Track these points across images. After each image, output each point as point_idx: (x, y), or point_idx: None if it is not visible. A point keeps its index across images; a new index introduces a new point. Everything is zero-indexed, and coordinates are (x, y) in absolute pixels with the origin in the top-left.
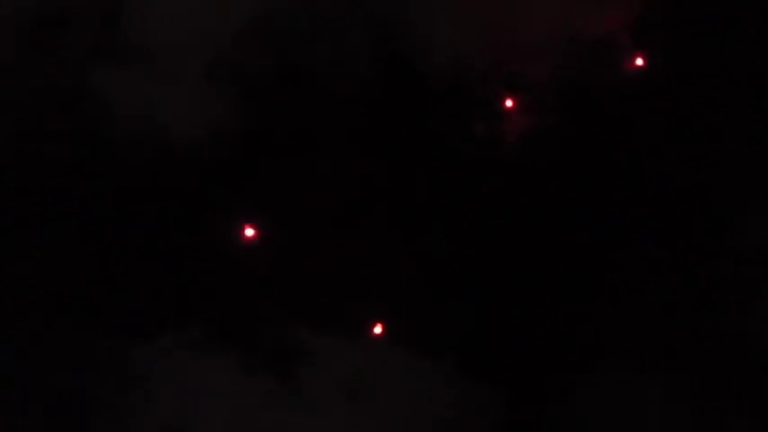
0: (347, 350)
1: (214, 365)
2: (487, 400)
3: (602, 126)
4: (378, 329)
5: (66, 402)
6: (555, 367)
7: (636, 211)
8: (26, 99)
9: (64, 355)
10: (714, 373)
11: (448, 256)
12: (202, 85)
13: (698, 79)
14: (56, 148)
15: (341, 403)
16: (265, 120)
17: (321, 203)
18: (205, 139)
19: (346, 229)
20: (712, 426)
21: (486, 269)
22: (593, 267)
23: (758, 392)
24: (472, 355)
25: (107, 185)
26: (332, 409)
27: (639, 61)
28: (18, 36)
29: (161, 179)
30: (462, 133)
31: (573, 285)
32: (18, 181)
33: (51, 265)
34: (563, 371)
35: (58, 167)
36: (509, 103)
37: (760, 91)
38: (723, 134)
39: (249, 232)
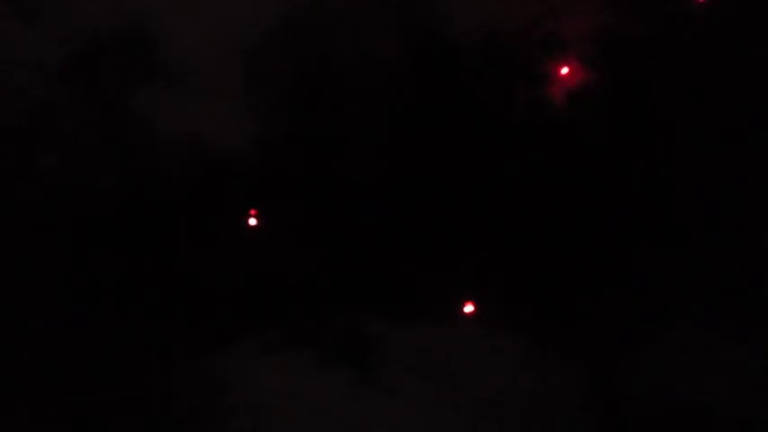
0: (421, 335)
1: (291, 365)
2: (572, 373)
3: (647, 79)
4: (469, 308)
5: (149, 412)
6: (633, 337)
7: (697, 159)
8: (73, 129)
9: (143, 367)
10: None
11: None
12: (239, 95)
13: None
14: (106, 172)
15: (421, 388)
16: (304, 119)
17: (379, 192)
18: (248, 147)
19: (410, 214)
20: None
21: (557, 240)
22: (665, 234)
23: None
24: (552, 330)
25: (159, 202)
26: (413, 394)
27: None
28: (59, 69)
29: (210, 190)
30: (509, 102)
31: (647, 254)
32: (75, 203)
33: (122, 280)
34: (642, 341)
35: (110, 191)
36: (564, 70)
37: None
38: None
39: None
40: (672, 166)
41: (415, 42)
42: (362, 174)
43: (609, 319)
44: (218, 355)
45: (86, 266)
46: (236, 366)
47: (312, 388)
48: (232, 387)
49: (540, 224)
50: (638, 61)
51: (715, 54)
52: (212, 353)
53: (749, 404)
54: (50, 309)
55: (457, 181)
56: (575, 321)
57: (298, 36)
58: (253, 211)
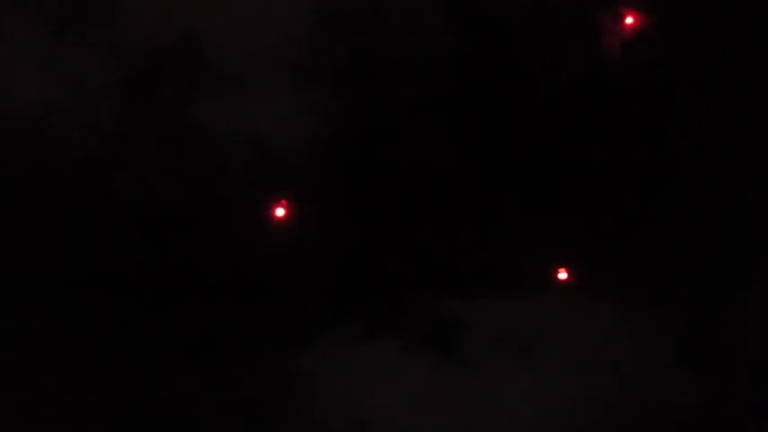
0: (504, 308)
1: (376, 353)
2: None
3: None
4: (563, 275)
5: (240, 410)
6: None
7: None
8: (136, 147)
9: (232, 365)
10: None
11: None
12: (292, 94)
13: None
14: (172, 185)
15: (509, 363)
16: (359, 109)
17: (443, 169)
18: (306, 145)
19: (480, 187)
20: None
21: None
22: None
23: None
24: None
25: (225, 205)
26: (502, 370)
27: None
28: (121, 91)
29: (274, 190)
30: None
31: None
32: (143, 218)
33: (203, 282)
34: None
35: (178, 204)
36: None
37: None
38: None
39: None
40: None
41: (465, 19)
42: (426, 150)
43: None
44: (303, 350)
45: (170, 269)
46: (323, 359)
47: (399, 373)
48: (320, 379)
49: (619, 181)
50: None
51: None
52: (298, 348)
53: None
54: (137, 314)
55: (526, 150)
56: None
57: (344, 27)
58: (283, 202)
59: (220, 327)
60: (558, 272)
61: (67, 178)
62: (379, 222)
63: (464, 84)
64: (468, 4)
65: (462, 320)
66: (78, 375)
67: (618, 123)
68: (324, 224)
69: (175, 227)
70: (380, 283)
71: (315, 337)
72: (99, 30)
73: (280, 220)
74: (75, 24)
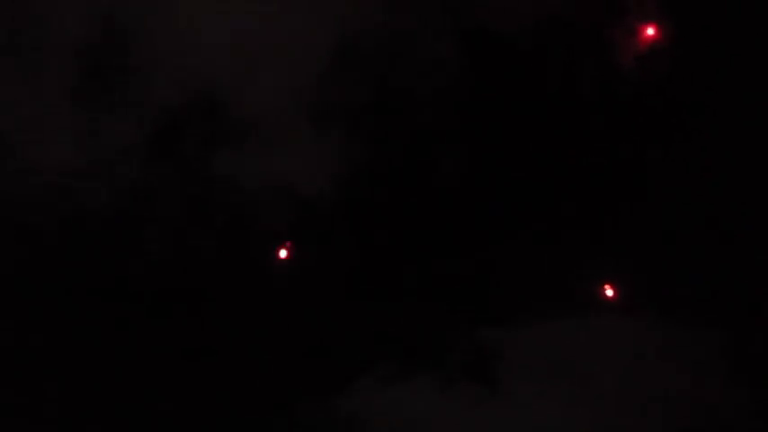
0: (542, 333)
1: (414, 391)
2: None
3: None
4: (609, 292)
5: None
6: None
7: None
8: (161, 202)
9: (268, 411)
10: None
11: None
12: (311, 138)
13: None
14: (199, 237)
15: (552, 389)
16: (380, 147)
17: (474, 195)
18: (332, 186)
19: (512, 210)
20: None
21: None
22: None
23: None
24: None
25: (256, 256)
26: (545, 397)
27: None
28: (139, 149)
29: (303, 235)
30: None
31: None
32: (171, 271)
33: (239, 331)
34: None
35: (205, 255)
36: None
37: None
38: None
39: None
40: None
41: (478, 45)
42: (451, 179)
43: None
44: (341, 393)
45: (202, 321)
46: (361, 401)
47: (439, 410)
48: (359, 422)
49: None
50: None
51: None
52: (336, 391)
53: None
54: (171, 367)
55: (556, 172)
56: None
57: (355, 63)
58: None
59: (256, 374)
60: (604, 289)
61: (96, 237)
62: (409, 256)
63: (484, 110)
64: (482, 32)
65: (499, 349)
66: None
67: (646, 141)
68: (352, 262)
69: (204, 278)
70: (414, 319)
71: (352, 379)
72: (118, 91)
73: (284, 260)
74: (94, 87)
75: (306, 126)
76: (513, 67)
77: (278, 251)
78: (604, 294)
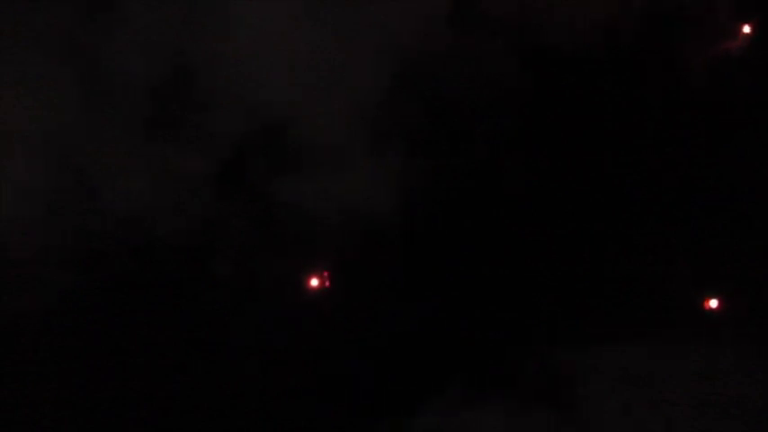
0: (620, 355)
1: (486, 414)
2: None
3: None
4: (714, 303)
5: None
6: None
7: None
8: (229, 231)
9: None
10: None
11: None
12: (370, 158)
13: None
14: (270, 262)
15: (631, 416)
16: (443, 168)
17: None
18: (394, 208)
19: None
20: None
21: None
22: None
23: None
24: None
25: (326, 278)
26: (624, 424)
27: None
28: (207, 179)
29: (372, 257)
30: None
31: None
32: (241, 298)
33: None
34: None
35: (278, 279)
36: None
37: None
38: None
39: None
40: None
41: (538, 63)
42: (516, 200)
43: None
44: (412, 415)
45: (271, 353)
46: (432, 425)
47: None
48: None
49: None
50: None
51: None
52: (407, 414)
53: None
54: (240, 398)
55: (616, 187)
56: None
57: (415, 84)
58: (325, 273)
59: (328, 395)
60: (707, 301)
61: (167, 267)
62: (480, 276)
63: (547, 128)
64: (543, 50)
65: (578, 373)
66: None
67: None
68: (420, 283)
69: (271, 305)
70: (488, 340)
71: (424, 401)
72: (185, 124)
73: (317, 288)
74: (163, 121)
75: (365, 148)
76: (575, 83)
77: (311, 279)
78: (708, 306)
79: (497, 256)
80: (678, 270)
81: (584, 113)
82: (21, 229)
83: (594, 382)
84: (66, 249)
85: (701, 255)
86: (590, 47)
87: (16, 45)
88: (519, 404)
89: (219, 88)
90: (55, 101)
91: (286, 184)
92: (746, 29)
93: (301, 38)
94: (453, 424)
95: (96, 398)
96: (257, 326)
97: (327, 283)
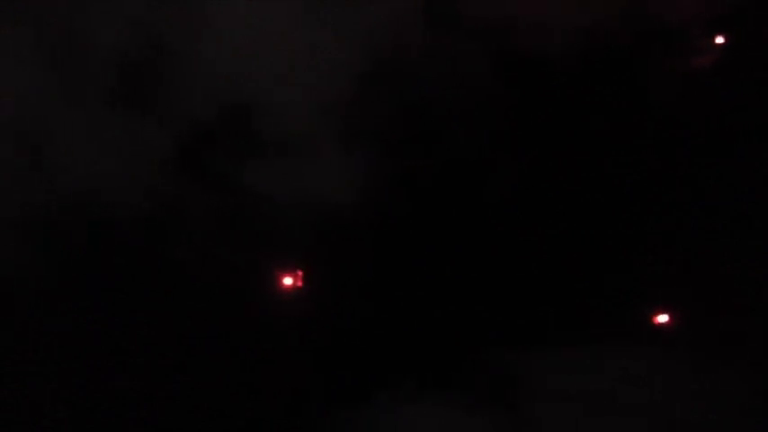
0: (568, 360)
1: (434, 412)
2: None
3: None
4: (664, 318)
5: None
6: None
7: None
8: (189, 214)
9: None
10: None
11: None
12: (338, 151)
13: None
14: (224, 246)
15: (577, 419)
16: (409, 163)
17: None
18: (357, 198)
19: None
20: None
21: None
22: None
23: None
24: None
25: (285, 269)
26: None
27: None
28: (170, 160)
29: (334, 251)
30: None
31: None
32: (196, 281)
33: (259, 346)
34: None
35: (235, 266)
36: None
37: None
38: None
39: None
40: None
41: (506, 64)
42: (480, 202)
43: None
44: (356, 409)
45: (221, 342)
46: (376, 419)
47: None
48: None
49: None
50: None
51: None
52: (351, 407)
53: None
54: (185, 378)
55: (590, 192)
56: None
57: (387, 81)
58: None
59: (271, 386)
60: (657, 315)
61: (123, 243)
62: (436, 273)
63: (516, 130)
64: (512, 49)
65: (525, 374)
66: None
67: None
68: (377, 276)
69: (227, 289)
70: (437, 337)
71: (369, 395)
72: (151, 100)
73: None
74: (129, 95)
75: (335, 141)
76: (547, 89)
77: (284, 278)
78: (657, 321)
79: (458, 257)
80: (633, 282)
81: (555, 119)
82: None
83: (541, 384)
84: (20, 222)
85: (657, 269)
86: (565, 53)
87: None
88: (464, 402)
89: (190, 67)
90: (16, 70)
91: (252, 171)
92: (720, 39)
93: (276, 25)
94: (399, 419)
95: (43, 372)
96: (211, 312)
97: (300, 283)
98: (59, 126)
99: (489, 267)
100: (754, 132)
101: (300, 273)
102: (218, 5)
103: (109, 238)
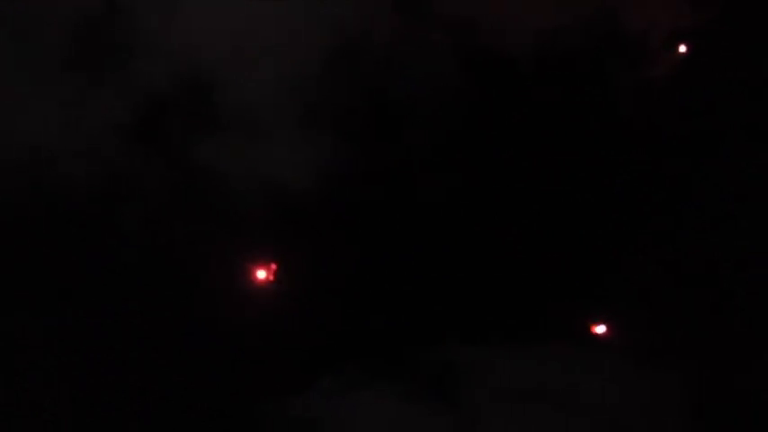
0: (512, 359)
1: (375, 398)
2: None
3: None
4: (601, 329)
5: None
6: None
7: None
8: (142, 185)
9: (230, 409)
10: None
11: None
12: (297, 132)
13: None
14: (180, 221)
15: (515, 415)
16: (367, 150)
17: (456, 212)
18: (312, 183)
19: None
20: None
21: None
22: None
23: None
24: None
25: (236, 246)
26: (506, 422)
27: None
28: (124, 130)
29: (283, 231)
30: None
31: None
32: (153, 256)
33: (205, 323)
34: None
35: (186, 240)
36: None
37: None
38: None
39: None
40: None
41: (470, 60)
42: (433, 197)
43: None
44: (301, 394)
45: (167, 319)
46: (319, 403)
47: (396, 421)
48: (315, 424)
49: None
50: None
51: None
52: (296, 392)
53: None
54: (130, 355)
55: (535, 196)
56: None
57: (352, 67)
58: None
59: (216, 370)
60: (597, 325)
61: (70, 210)
62: (388, 262)
63: (476, 126)
64: (478, 46)
65: (468, 367)
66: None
67: (634, 168)
68: (327, 262)
69: (176, 265)
70: (385, 325)
71: (314, 380)
72: (108, 70)
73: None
74: (84, 65)
75: (294, 124)
76: (510, 87)
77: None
78: (596, 330)
79: (411, 249)
80: (579, 288)
81: (516, 117)
82: None
83: (483, 377)
84: None
85: (604, 276)
86: (532, 52)
87: None
88: (407, 391)
89: (152, 37)
90: None
91: (209, 146)
92: (682, 48)
93: (240, 3)
94: (340, 404)
95: None
96: (157, 285)
97: (272, 277)
98: (13, 91)
99: (442, 261)
100: (708, 141)
101: (271, 266)
102: None
103: (58, 206)
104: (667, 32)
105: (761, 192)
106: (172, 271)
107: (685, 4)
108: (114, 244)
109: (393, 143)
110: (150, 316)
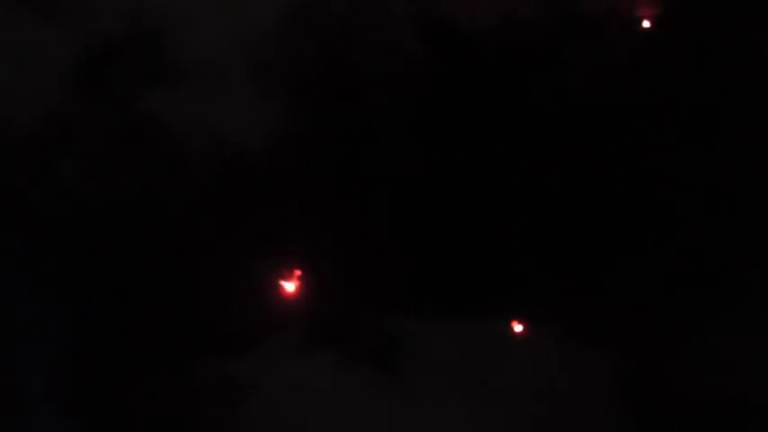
0: (449, 333)
1: (313, 365)
2: (608, 371)
3: None
4: (519, 327)
5: (175, 416)
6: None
7: None
8: (88, 132)
9: (169, 371)
10: None
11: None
12: (250, 91)
13: None
14: (121, 175)
15: (449, 387)
16: (320, 114)
17: (403, 185)
18: (262, 144)
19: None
20: None
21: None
22: None
23: None
24: (588, 325)
25: (176, 204)
26: (441, 394)
27: None
28: (72, 72)
29: (228, 191)
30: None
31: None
32: (91, 207)
33: (142, 284)
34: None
35: (126, 194)
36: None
37: None
38: None
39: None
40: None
41: (430, 32)
42: (384, 166)
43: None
44: (240, 358)
45: (104, 272)
46: (258, 369)
47: (335, 388)
48: (257, 389)
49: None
50: None
51: None
52: (238, 355)
53: None
54: (67, 313)
55: (485, 173)
56: (610, 315)
57: (310, 29)
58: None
59: (156, 328)
60: (514, 323)
61: (7, 157)
62: (334, 230)
63: (433, 93)
64: (439, 16)
65: (407, 339)
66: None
67: (584, 158)
68: (273, 226)
69: (117, 218)
70: (327, 294)
71: (253, 345)
72: (56, 12)
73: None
74: (31, 5)
75: (247, 82)
76: (469, 63)
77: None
78: (514, 328)
79: (358, 218)
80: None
81: (473, 94)
82: None
83: (421, 350)
84: None
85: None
86: (494, 29)
87: None
88: (346, 359)
89: None
90: None
91: (156, 96)
92: (646, 23)
93: None
94: (278, 370)
95: None
96: (97, 237)
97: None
98: None
99: (390, 232)
100: (669, 126)
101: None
102: None
103: None
104: (629, 11)
105: (718, 174)
106: (111, 221)
107: None
108: (52, 192)
109: (348, 106)
110: (90, 267)
